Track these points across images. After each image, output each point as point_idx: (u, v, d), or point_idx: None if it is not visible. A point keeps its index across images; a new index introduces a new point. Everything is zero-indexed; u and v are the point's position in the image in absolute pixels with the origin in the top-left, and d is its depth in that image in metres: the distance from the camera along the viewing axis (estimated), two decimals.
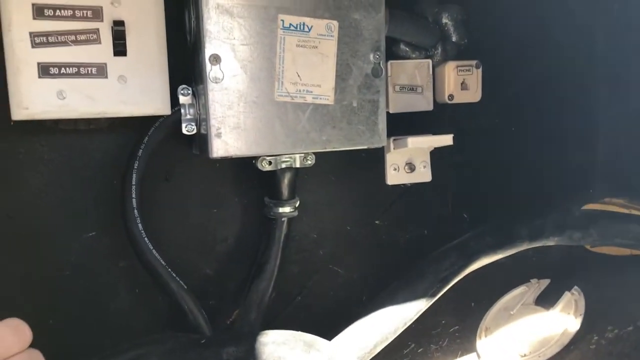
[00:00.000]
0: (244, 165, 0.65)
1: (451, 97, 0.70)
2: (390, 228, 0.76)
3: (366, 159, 0.70)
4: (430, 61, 0.69)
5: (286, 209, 0.65)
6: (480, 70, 0.71)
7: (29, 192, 0.62)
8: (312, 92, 0.57)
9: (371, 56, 0.59)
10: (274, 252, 0.66)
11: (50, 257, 0.63)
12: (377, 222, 0.76)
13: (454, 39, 0.70)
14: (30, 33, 0.53)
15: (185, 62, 0.61)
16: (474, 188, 0.79)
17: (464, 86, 0.71)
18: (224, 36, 0.54)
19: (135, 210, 0.58)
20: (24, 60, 0.53)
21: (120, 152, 0.62)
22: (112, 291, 0.65)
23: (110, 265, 0.65)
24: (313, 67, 0.57)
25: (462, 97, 0.71)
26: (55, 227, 0.62)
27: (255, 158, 0.61)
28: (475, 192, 0.79)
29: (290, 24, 0.55)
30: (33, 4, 0.53)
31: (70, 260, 0.63)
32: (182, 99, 0.59)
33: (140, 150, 0.58)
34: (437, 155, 0.71)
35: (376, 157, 0.69)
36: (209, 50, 0.54)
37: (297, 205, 0.66)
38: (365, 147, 0.60)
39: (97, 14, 0.55)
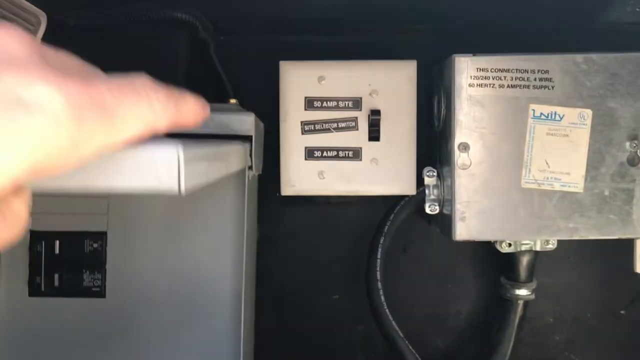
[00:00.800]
0: (482, 244, 0.66)
1: None
2: (638, 321, 0.70)
3: (611, 243, 0.66)
4: None
5: (523, 292, 0.64)
6: None
7: (284, 253, 0.70)
8: (560, 179, 0.56)
9: (627, 144, 0.56)
10: (507, 335, 0.65)
11: (298, 313, 0.70)
12: (622, 312, 0.71)
13: None
14: (302, 122, 0.62)
15: (430, 143, 0.64)
16: None
17: None
18: (474, 125, 0.56)
19: (379, 283, 0.62)
20: (295, 145, 0.62)
21: (367, 223, 0.68)
22: (349, 353, 0.70)
23: (349, 328, 0.70)
24: (563, 155, 0.56)
25: None
26: (305, 286, 0.70)
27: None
28: None
29: (541, 113, 0.56)
30: (305, 97, 0.61)
31: (315, 319, 0.70)
32: (427, 180, 0.62)
33: (387, 227, 0.63)
34: None
35: (623, 241, 0.65)
36: (458, 138, 0.57)
37: (534, 288, 0.64)
38: (616, 237, 0.57)
39: (357, 104, 0.62)
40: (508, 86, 0.56)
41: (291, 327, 0.70)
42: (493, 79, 0.56)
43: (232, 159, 0.45)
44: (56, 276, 0.60)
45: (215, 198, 0.59)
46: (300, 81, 0.61)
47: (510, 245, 0.62)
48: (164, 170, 0.27)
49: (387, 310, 0.62)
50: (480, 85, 0.56)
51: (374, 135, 0.62)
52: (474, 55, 0.56)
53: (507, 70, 0.56)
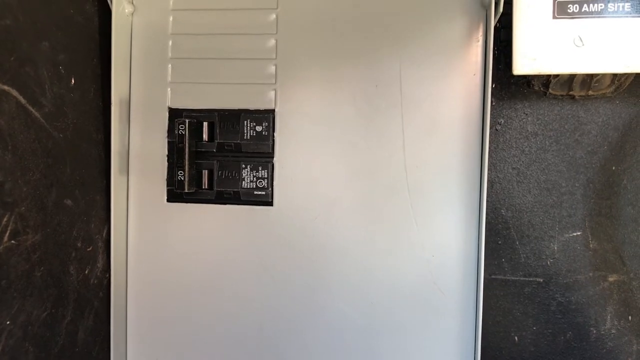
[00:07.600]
0: None
1: None
2: None
3: None
4: None
5: None
6: None
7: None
8: None
9: None
10: None
11: (519, 257, 0.50)
12: None
13: None
14: None
15: None
16: None
17: None
18: None
19: None
20: None
21: (625, 127, 0.46)
22: (596, 312, 0.49)
23: (596, 278, 0.49)
24: None
25: None
26: (531, 218, 0.49)
27: None
28: None
29: None
30: None
31: (543, 264, 0.49)
32: None
33: None
34: None
35: None
36: None
37: None
38: None
39: None
40: None
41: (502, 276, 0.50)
42: None
43: None
44: (204, 173, 0.44)
45: None
46: None
47: None
48: None
49: None
50: None
51: None
52: None
53: None
